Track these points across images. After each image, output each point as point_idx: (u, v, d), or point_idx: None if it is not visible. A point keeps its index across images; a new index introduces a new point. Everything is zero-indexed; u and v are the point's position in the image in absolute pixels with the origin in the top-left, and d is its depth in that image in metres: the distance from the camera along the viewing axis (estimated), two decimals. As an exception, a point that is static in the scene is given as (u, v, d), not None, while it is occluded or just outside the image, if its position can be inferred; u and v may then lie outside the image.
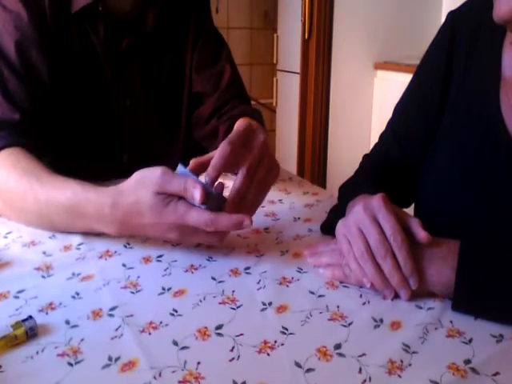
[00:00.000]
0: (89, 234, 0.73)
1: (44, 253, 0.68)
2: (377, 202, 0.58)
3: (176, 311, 0.55)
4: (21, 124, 0.83)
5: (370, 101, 2.71)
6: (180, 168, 0.64)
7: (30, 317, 0.50)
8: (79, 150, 0.97)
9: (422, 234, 0.57)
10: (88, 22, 0.91)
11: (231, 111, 0.99)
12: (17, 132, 0.82)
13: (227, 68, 1.03)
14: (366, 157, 0.86)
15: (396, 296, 0.57)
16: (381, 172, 0.79)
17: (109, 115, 0.98)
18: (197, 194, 0.59)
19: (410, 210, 0.71)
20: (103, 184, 0.92)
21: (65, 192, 0.69)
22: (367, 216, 0.58)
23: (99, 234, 0.73)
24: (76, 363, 0.47)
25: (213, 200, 0.62)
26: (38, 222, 0.74)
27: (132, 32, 0.94)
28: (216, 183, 0.66)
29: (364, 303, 0.57)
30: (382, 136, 0.85)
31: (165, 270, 0.63)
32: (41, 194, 0.71)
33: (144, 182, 0.63)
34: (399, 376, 0.45)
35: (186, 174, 0.63)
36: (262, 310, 0.55)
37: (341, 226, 0.61)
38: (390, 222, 0.57)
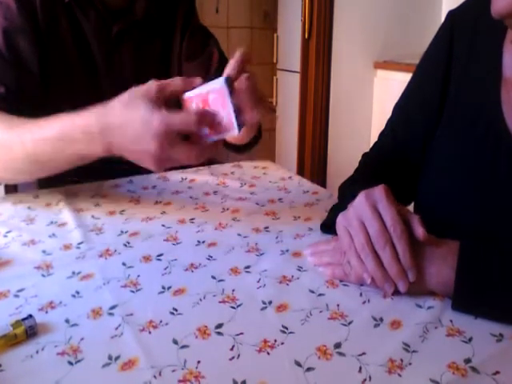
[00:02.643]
0: (89, 232, 0.73)
1: (44, 251, 0.68)
2: (378, 192, 0.59)
3: (176, 310, 0.55)
4: (6, 98, 0.84)
5: (369, 100, 2.71)
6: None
7: (30, 316, 0.50)
8: None
9: (419, 231, 0.57)
10: (81, 9, 0.93)
11: None
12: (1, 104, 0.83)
13: (215, 51, 1.08)
14: (365, 155, 0.86)
15: (396, 293, 0.57)
16: (380, 170, 0.79)
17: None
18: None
19: (410, 209, 0.71)
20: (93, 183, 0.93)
21: (52, 126, 0.70)
22: (368, 206, 0.58)
23: (99, 234, 0.73)
24: (76, 362, 0.47)
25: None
26: (25, 165, 0.74)
27: (122, 20, 0.97)
28: None
29: (364, 302, 0.57)
30: (382, 135, 0.85)
31: (165, 269, 0.63)
32: (27, 137, 0.71)
33: (133, 98, 0.64)
34: (399, 375, 0.45)
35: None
36: (262, 308, 0.55)
37: (341, 219, 0.61)
38: (391, 213, 0.57)
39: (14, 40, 0.87)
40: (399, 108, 0.83)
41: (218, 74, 1.07)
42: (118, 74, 1.01)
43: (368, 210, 0.58)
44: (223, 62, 1.06)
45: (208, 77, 1.03)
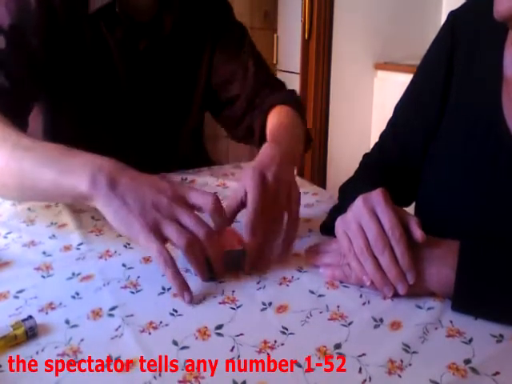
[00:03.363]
0: (89, 233, 0.73)
1: (44, 253, 0.68)
2: (376, 195, 0.59)
3: (176, 311, 0.55)
4: (7, 90, 0.82)
5: (370, 101, 2.71)
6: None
7: (30, 317, 0.50)
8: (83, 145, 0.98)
9: (418, 234, 0.57)
10: (105, 22, 0.91)
11: (262, 104, 0.99)
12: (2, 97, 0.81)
13: (249, 62, 1.04)
14: (366, 156, 0.86)
15: (396, 295, 0.57)
16: (381, 171, 0.79)
17: (118, 116, 0.99)
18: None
19: (411, 210, 0.71)
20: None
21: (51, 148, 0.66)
22: (366, 210, 0.58)
23: (99, 235, 0.73)
24: (76, 363, 0.46)
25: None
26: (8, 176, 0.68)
27: (150, 34, 0.95)
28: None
29: (364, 303, 0.57)
30: (383, 135, 0.85)
31: (165, 270, 0.63)
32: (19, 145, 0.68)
33: None
34: (399, 376, 0.45)
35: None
36: (262, 309, 0.55)
37: (340, 222, 0.61)
38: (389, 216, 0.57)
39: (24, 35, 0.85)
40: (400, 108, 0.83)
41: (254, 85, 1.04)
42: (141, 88, 0.98)
43: (366, 213, 0.58)
44: (259, 70, 1.04)
45: (244, 91, 1.01)
